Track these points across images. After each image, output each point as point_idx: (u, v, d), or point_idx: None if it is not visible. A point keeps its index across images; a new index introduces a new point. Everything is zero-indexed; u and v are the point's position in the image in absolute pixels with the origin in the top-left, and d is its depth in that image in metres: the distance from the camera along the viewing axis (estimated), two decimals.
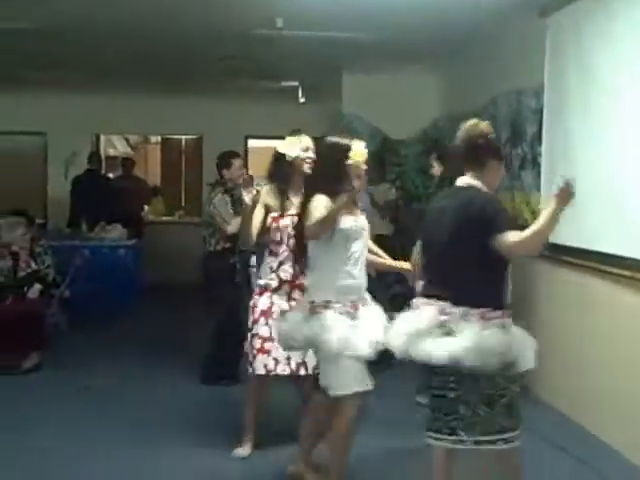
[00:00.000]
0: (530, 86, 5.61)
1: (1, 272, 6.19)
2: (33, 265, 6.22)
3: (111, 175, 10.91)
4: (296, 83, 9.32)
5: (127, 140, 13.12)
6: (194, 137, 11.59)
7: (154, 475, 4.06)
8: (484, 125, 3.27)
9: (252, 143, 11.36)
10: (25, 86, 9.62)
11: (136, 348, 6.66)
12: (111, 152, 12.59)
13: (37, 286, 6.15)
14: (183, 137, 12.11)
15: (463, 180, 3.21)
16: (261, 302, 4.04)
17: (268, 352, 3.97)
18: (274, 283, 4.02)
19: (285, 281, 4.01)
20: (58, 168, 10.37)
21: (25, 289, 6.13)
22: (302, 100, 9.53)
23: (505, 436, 3.04)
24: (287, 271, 3.99)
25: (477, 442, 3.03)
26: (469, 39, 6.74)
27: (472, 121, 3.28)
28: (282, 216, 3.98)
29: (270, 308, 4.00)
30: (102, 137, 11.62)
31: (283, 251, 3.98)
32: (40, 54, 7.66)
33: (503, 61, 6.32)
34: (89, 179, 9.34)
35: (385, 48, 7.02)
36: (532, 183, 5.58)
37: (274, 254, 4.03)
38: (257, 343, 4.01)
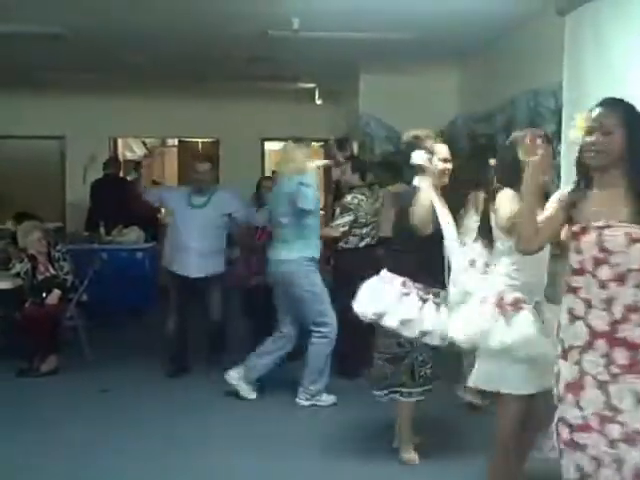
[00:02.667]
0: (548, 86, 5.56)
1: (20, 275, 6.22)
2: (51, 270, 6.23)
3: (129, 178, 10.93)
4: (313, 84, 9.32)
5: (144, 143, 13.15)
6: (211, 140, 11.60)
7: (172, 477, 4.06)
8: None
9: (269, 146, 11.37)
10: (43, 90, 9.68)
11: (154, 350, 6.65)
12: (128, 155, 12.62)
13: (56, 292, 6.16)
14: (200, 140, 12.12)
15: None
16: (566, 370, 2.65)
17: (583, 448, 2.58)
18: (582, 339, 2.61)
19: (599, 334, 2.58)
20: (76, 172, 10.40)
21: (44, 294, 6.14)
22: (319, 102, 9.52)
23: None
24: (601, 317, 2.58)
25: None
26: (486, 39, 6.71)
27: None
28: (586, 229, 2.64)
29: (581, 379, 2.61)
30: (120, 140, 11.66)
31: (589, 284, 2.61)
32: (59, 58, 7.71)
33: (520, 61, 6.28)
34: (108, 182, 9.37)
35: (402, 49, 6.99)
36: (551, 182, 5.53)
37: (573, 290, 2.65)
38: (564, 432, 2.64)
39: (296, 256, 5.09)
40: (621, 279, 2.53)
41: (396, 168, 7.95)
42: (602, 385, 2.54)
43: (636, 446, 2.47)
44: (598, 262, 2.57)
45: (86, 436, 4.58)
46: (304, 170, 5.11)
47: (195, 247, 5.79)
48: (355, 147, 8.79)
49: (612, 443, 2.50)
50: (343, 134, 9.83)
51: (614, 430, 2.50)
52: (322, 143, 11.43)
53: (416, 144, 4.18)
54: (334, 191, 7.35)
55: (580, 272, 2.62)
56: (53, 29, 6.32)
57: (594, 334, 2.57)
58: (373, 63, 7.92)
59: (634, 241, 2.52)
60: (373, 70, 8.18)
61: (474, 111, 7.56)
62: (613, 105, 2.66)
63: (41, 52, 7.38)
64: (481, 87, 7.48)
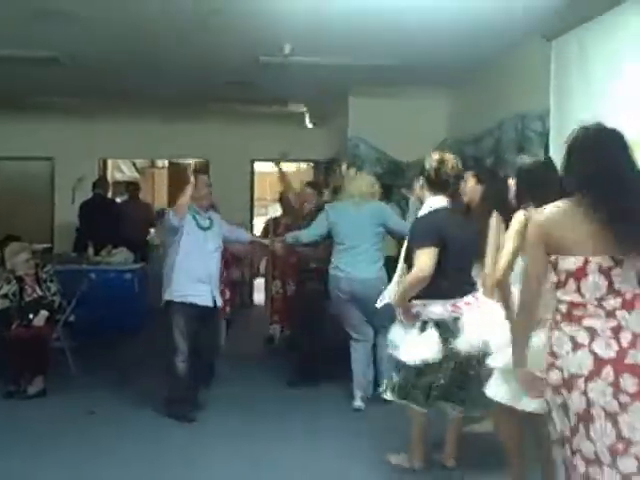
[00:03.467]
0: (535, 110, 5.62)
1: (7, 296, 6.19)
2: (38, 291, 6.21)
3: (118, 199, 10.95)
4: (303, 108, 9.38)
5: (134, 164, 13.17)
6: (201, 161, 11.61)
7: None
8: None
9: (258, 167, 11.40)
10: (32, 111, 9.70)
11: (142, 372, 6.62)
12: (118, 176, 12.64)
13: (43, 313, 6.13)
14: (190, 161, 12.14)
15: None
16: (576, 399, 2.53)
17: None
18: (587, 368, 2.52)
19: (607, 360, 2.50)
20: (65, 193, 10.41)
21: (31, 316, 6.11)
22: (309, 124, 9.57)
23: None
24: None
25: None
26: (475, 63, 6.78)
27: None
28: None
29: (589, 409, 2.50)
30: (109, 161, 11.66)
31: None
32: (52, 81, 7.73)
33: (509, 85, 6.35)
34: (96, 203, 9.39)
35: (391, 73, 7.06)
36: None
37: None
38: (580, 465, 2.52)
39: (381, 274, 5.47)
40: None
41: (386, 190, 8.03)
42: (612, 416, 2.44)
43: None
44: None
45: (73, 458, 4.54)
46: (376, 195, 5.78)
47: (211, 273, 5.41)
48: (344, 169, 8.83)
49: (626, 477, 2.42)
50: (333, 157, 9.91)
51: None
52: (312, 165, 11.51)
53: None
54: None
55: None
56: (48, 53, 6.36)
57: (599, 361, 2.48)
58: (362, 87, 7.98)
59: None
60: (362, 94, 8.24)
61: (463, 134, 7.62)
62: None
63: (35, 75, 7.40)
64: (469, 111, 7.55)
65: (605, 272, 2.49)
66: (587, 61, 4.68)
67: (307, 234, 5.90)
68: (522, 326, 2.74)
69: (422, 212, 4.23)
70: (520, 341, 2.72)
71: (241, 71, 7.08)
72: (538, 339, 3.09)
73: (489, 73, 6.81)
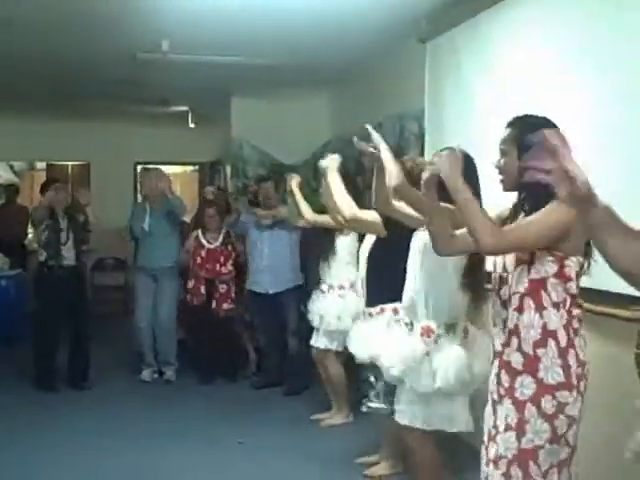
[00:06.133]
0: (412, 111, 5.75)
1: None
2: None
3: None
4: (186, 108, 9.26)
5: (11, 167, 12.67)
6: (81, 163, 11.29)
7: None
8: None
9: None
10: None
11: (18, 382, 6.39)
12: None
13: None
14: (70, 163, 11.78)
15: None
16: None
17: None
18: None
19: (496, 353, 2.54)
20: None
21: None
22: (192, 125, 9.47)
23: None
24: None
25: None
26: (356, 64, 6.88)
27: None
28: None
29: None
30: None
31: (494, 302, 2.58)
32: None
33: (387, 86, 6.47)
34: None
35: (273, 73, 7.06)
36: None
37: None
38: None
39: None
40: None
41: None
42: (494, 403, 2.50)
43: (498, 469, 2.42)
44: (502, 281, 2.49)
45: None
46: None
47: None
48: (228, 171, 8.78)
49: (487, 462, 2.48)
50: (217, 158, 9.83)
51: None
52: (197, 167, 11.38)
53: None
54: None
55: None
56: None
57: (494, 353, 2.53)
58: (245, 87, 7.95)
59: (518, 263, 2.42)
60: (245, 94, 8.23)
61: (345, 135, 7.71)
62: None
63: None
64: (351, 111, 7.64)
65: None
66: (459, 64, 4.84)
67: None
68: None
69: None
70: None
71: (119, 68, 6.90)
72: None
73: (369, 73, 6.92)
